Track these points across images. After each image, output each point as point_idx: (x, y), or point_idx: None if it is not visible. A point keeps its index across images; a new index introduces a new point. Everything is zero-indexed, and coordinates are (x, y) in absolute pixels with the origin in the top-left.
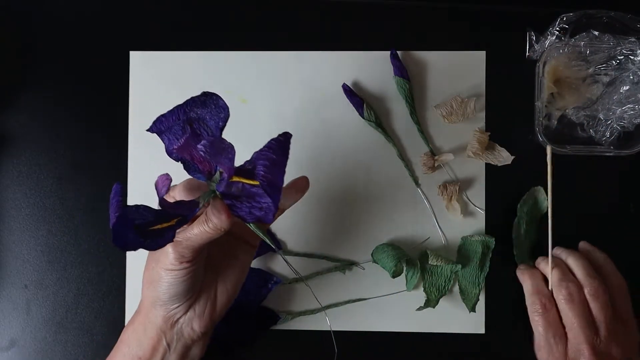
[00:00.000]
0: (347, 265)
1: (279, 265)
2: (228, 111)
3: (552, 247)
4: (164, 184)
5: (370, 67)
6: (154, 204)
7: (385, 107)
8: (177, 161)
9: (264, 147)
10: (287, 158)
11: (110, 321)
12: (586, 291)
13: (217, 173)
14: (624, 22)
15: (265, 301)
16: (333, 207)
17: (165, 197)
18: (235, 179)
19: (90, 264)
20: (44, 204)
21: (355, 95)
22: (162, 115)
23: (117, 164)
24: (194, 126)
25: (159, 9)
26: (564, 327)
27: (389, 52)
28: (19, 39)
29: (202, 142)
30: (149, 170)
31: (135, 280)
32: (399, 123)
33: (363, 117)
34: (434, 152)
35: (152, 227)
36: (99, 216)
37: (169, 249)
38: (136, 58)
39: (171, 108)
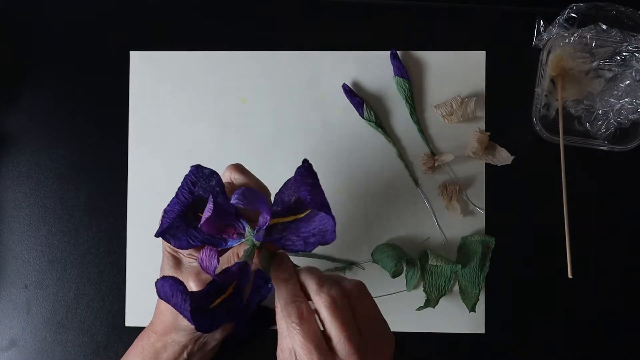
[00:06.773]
0: (347, 265)
1: None
2: (217, 175)
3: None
4: (211, 257)
5: (370, 67)
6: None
7: (385, 107)
8: (202, 243)
9: (296, 177)
10: (318, 179)
11: (110, 321)
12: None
13: (248, 228)
14: (633, 19)
15: (266, 301)
16: (333, 207)
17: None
18: (275, 221)
19: (90, 264)
20: (44, 204)
21: (355, 95)
22: (168, 208)
23: (117, 164)
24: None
25: (159, 9)
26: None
27: (389, 52)
28: (19, 39)
29: (234, 195)
30: (149, 170)
31: (135, 280)
32: (399, 123)
33: (363, 117)
34: (434, 152)
35: (213, 304)
36: (99, 216)
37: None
38: (136, 58)
39: (170, 202)
